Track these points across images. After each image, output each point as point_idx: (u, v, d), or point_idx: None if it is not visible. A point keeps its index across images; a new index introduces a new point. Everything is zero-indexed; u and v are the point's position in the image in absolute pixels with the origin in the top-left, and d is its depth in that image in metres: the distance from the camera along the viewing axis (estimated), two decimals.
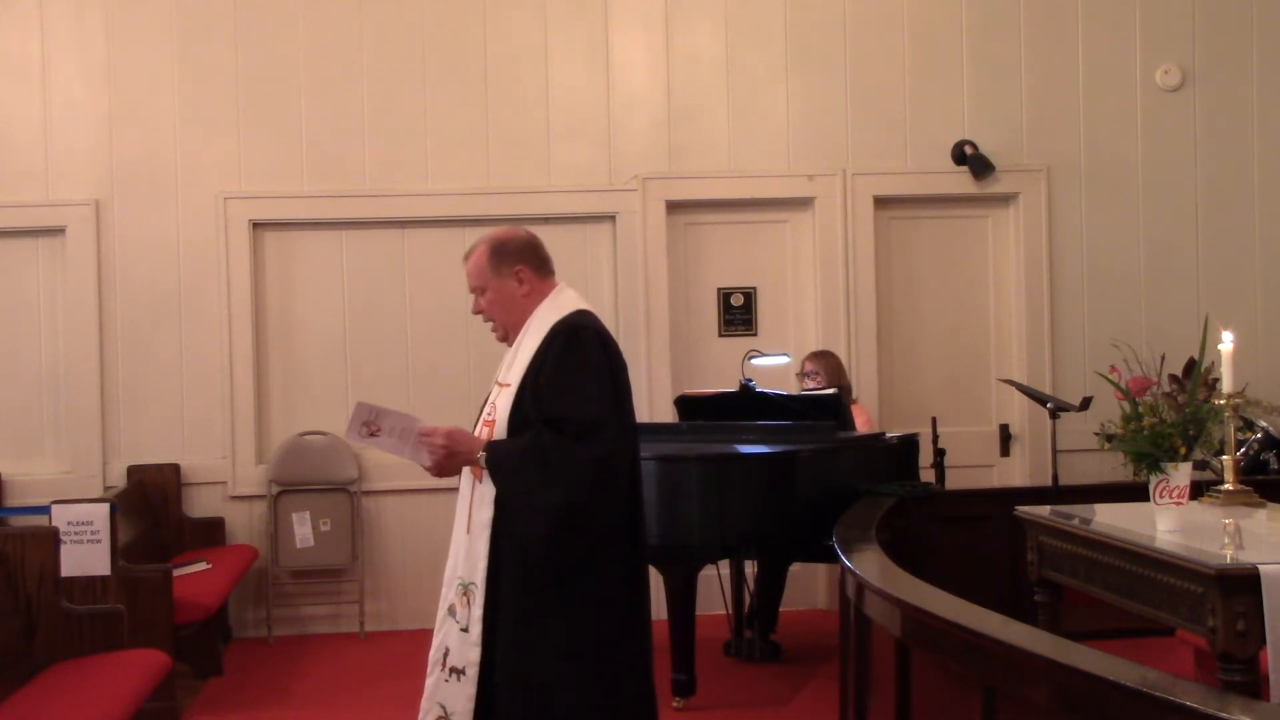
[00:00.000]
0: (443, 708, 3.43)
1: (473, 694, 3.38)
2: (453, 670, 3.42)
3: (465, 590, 3.42)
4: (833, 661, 5.18)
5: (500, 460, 3.36)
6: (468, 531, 3.44)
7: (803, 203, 7.25)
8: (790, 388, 6.50)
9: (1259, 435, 6.33)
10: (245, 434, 6.93)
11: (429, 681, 3.49)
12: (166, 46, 6.95)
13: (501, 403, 3.46)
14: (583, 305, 3.54)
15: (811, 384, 6.42)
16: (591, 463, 3.28)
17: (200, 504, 6.93)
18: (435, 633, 3.50)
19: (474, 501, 3.44)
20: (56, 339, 6.94)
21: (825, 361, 6.54)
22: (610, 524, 3.38)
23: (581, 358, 3.37)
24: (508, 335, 3.56)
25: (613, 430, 3.35)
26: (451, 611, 3.46)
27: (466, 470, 3.47)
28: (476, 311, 3.60)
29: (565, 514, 3.29)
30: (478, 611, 3.37)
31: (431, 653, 3.51)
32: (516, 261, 3.52)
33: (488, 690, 3.38)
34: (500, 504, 3.39)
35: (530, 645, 3.33)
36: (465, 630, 3.40)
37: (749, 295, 7.30)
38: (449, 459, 3.41)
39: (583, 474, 3.28)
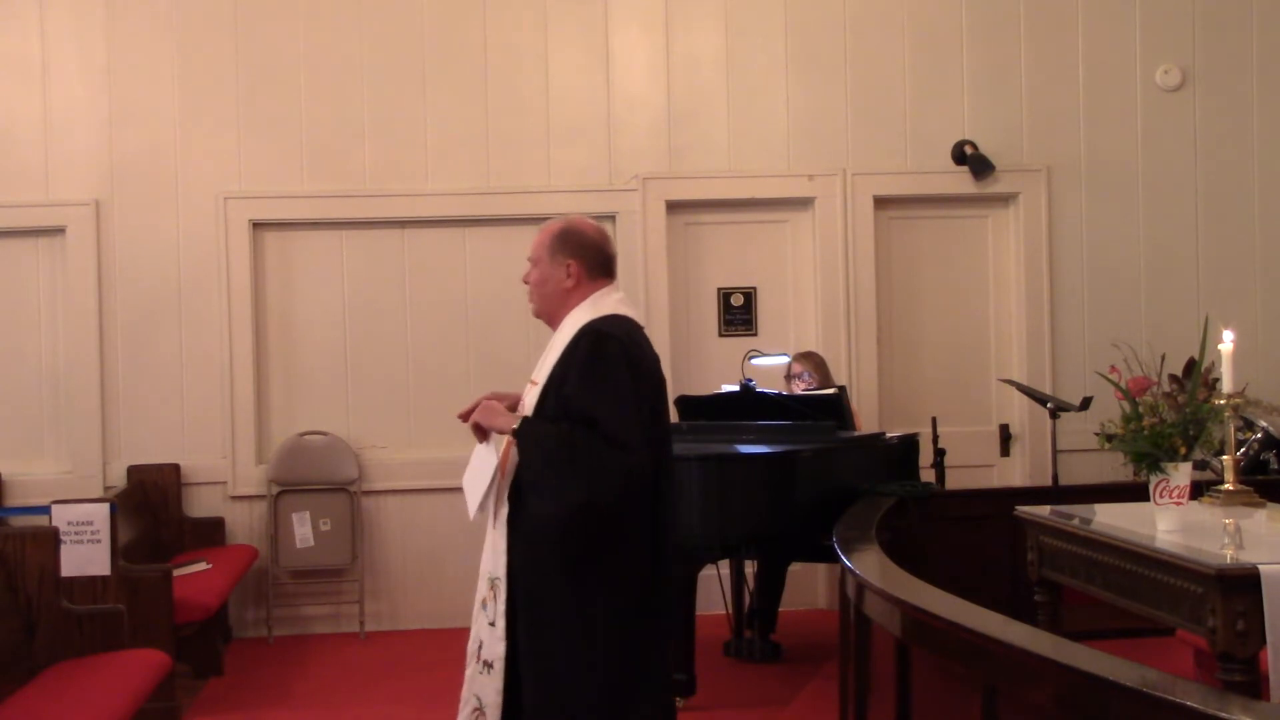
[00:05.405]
0: (478, 699, 3.49)
1: (500, 687, 3.43)
2: (484, 663, 3.48)
3: (492, 585, 3.48)
4: (833, 661, 5.17)
5: (532, 438, 3.38)
6: (494, 526, 3.48)
7: (803, 203, 7.25)
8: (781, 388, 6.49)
9: (1259, 435, 6.33)
10: (245, 434, 6.93)
11: (467, 673, 3.56)
12: (166, 46, 6.95)
13: (529, 400, 3.50)
14: (623, 310, 3.52)
15: (802, 385, 6.39)
16: (621, 472, 3.29)
17: (200, 504, 6.93)
18: (471, 625, 3.57)
19: (498, 497, 3.48)
20: (56, 339, 6.93)
21: (813, 361, 6.52)
22: (630, 529, 3.39)
23: (606, 366, 3.36)
24: (540, 312, 3.61)
25: (639, 442, 3.34)
26: (483, 605, 3.51)
27: (495, 465, 3.48)
28: (526, 280, 3.62)
29: (586, 511, 3.30)
30: (502, 606, 3.43)
31: (469, 645, 3.57)
32: (571, 255, 3.52)
33: (516, 681, 3.42)
34: (514, 498, 3.43)
35: (547, 640, 3.37)
36: (493, 624, 3.45)
37: (749, 295, 7.30)
38: (486, 412, 3.47)
39: (611, 480, 3.29)
